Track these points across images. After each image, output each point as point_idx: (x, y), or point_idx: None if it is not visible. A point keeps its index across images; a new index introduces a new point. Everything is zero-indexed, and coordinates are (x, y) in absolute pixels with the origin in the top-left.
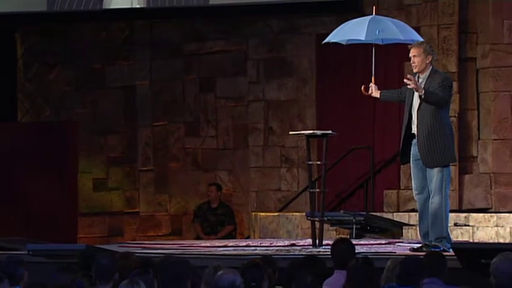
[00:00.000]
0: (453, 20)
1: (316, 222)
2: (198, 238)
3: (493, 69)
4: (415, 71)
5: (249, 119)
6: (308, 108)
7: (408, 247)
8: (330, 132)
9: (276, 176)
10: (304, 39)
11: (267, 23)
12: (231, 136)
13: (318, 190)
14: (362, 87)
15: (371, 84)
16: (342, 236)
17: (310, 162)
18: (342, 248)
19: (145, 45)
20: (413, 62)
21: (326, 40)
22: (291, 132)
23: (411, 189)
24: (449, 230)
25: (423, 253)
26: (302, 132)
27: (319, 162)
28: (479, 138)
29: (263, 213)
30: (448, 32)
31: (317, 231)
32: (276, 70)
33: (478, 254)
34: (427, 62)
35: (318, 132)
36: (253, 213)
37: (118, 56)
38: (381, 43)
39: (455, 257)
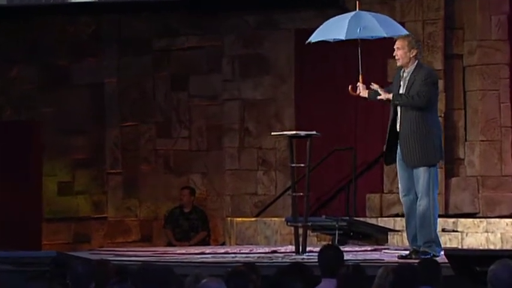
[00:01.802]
0: (439, 15)
1: (298, 228)
2: (169, 244)
3: (480, 66)
4: (398, 64)
5: (223, 119)
6: (286, 108)
7: (396, 254)
8: (313, 133)
9: (252, 179)
10: (282, 35)
11: (243, 18)
12: (205, 137)
13: (301, 194)
14: (349, 87)
15: (358, 83)
16: (329, 243)
17: (294, 165)
18: (330, 255)
19: (113, 41)
20: (396, 55)
21: (308, 40)
22: (273, 133)
23: (395, 192)
24: (438, 234)
25: (413, 260)
26: (285, 133)
27: (302, 165)
28: (466, 140)
29: (239, 219)
30: (433, 27)
31: (300, 237)
32: (252, 67)
33: (473, 261)
34: (411, 56)
35: (302, 133)
36: (229, 218)
37: (84, 52)
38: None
39: (447, 264)
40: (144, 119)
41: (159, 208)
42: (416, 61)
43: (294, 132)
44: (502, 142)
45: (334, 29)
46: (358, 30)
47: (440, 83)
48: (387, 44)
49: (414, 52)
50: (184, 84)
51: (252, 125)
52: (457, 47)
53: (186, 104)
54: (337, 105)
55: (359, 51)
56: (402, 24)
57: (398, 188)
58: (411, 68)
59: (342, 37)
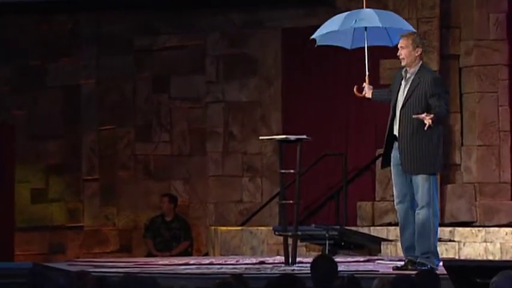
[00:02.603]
0: (434, 13)
1: (288, 238)
2: (149, 255)
3: (477, 67)
4: (402, 64)
5: (207, 122)
6: (273, 111)
7: (390, 265)
8: (304, 137)
9: (237, 186)
10: (268, 34)
11: (227, 16)
12: (187, 141)
13: (291, 201)
14: (355, 88)
15: (364, 84)
16: (319, 253)
17: (283, 171)
18: (324, 266)
19: (90, 40)
20: (400, 54)
21: (313, 37)
22: (261, 137)
23: (388, 200)
24: (437, 245)
25: (408, 272)
26: (274, 137)
27: (292, 171)
28: (462, 144)
29: (224, 228)
30: (428, 26)
31: (289, 247)
32: (237, 68)
33: (473, 273)
34: (416, 55)
35: (292, 137)
36: (212, 227)
37: (60, 52)
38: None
39: (446, 275)
40: (122, 122)
41: (138, 216)
42: (421, 61)
43: (284, 136)
44: (501, 147)
45: (330, 23)
46: (354, 21)
47: None
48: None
49: (419, 51)
50: (165, 85)
51: (236, 128)
52: (453, 47)
53: (168, 106)
54: (327, 108)
55: (365, 50)
56: None
57: (391, 195)
58: (415, 68)
59: (336, 28)
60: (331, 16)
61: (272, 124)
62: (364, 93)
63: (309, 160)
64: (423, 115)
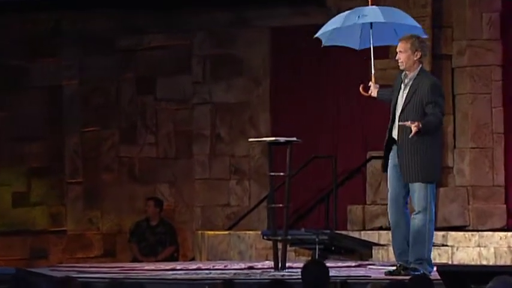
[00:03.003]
0: (426, 12)
1: (277, 243)
2: (134, 260)
3: (470, 68)
4: (401, 68)
5: (193, 124)
6: (261, 112)
7: (382, 270)
8: (294, 139)
9: (224, 189)
10: (256, 33)
11: (214, 15)
12: (173, 144)
13: (280, 205)
14: (361, 87)
15: (370, 83)
16: (309, 258)
17: (273, 174)
18: (315, 271)
19: (73, 40)
20: (399, 58)
21: (317, 35)
22: (250, 139)
23: (378, 204)
24: (432, 252)
25: (401, 277)
26: (263, 139)
27: (282, 173)
28: (455, 147)
29: (211, 232)
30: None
31: (279, 252)
32: (224, 68)
33: (467, 278)
34: (415, 59)
35: (281, 139)
36: (199, 231)
37: (42, 51)
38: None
39: (439, 281)
40: (107, 124)
41: (123, 221)
42: (420, 65)
43: (273, 138)
44: (494, 149)
45: (332, 22)
46: (357, 17)
47: None
48: None
49: (418, 55)
50: (150, 86)
51: (224, 130)
52: (445, 47)
53: (153, 108)
54: (317, 109)
55: (371, 47)
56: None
57: (382, 199)
58: (414, 73)
59: (338, 25)
60: (321, 15)
61: (260, 126)
62: (370, 92)
63: (298, 162)
64: (408, 122)
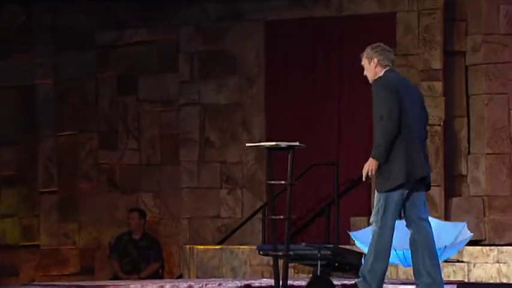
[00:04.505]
0: (437, 4)
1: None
2: (115, 278)
3: (486, 65)
4: (370, 82)
5: (180, 127)
6: (255, 115)
7: None
8: (297, 144)
9: (214, 199)
10: (249, 27)
11: (202, 7)
12: (158, 149)
13: (281, 217)
14: None
15: None
16: (310, 275)
17: (273, 182)
18: None
19: (47, 35)
20: (366, 75)
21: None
22: (248, 144)
23: None
24: (375, 269)
25: None
26: (263, 144)
27: (283, 182)
28: (469, 153)
29: (201, 246)
30: (430, 19)
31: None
32: (214, 66)
33: None
34: (374, 67)
35: (283, 143)
36: (187, 246)
37: (12, 47)
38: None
39: None
40: (84, 127)
41: (102, 234)
42: (384, 69)
43: (274, 143)
44: None
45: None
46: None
47: (439, 86)
48: (375, 40)
49: (375, 61)
50: (132, 86)
51: (214, 134)
52: (458, 43)
53: (135, 109)
54: (316, 111)
55: None
56: (393, 14)
57: None
58: None
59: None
60: (321, 7)
61: (254, 129)
62: None
63: (295, 170)
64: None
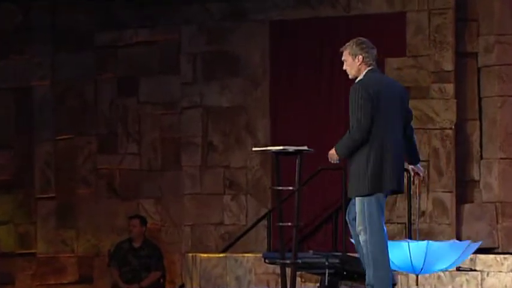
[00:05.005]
0: (448, 3)
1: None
2: (114, 287)
3: (499, 67)
4: (350, 77)
5: (182, 131)
6: (260, 118)
7: None
8: (305, 148)
9: (217, 206)
10: (254, 27)
11: (205, 6)
12: (159, 153)
13: (289, 224)
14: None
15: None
16: (317, 285)
17: (280, 188)
18: None
19: (45, 35)
20: (346, 69)
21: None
22: (254, 149)
23: (394, 222)
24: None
25: None
26: (269, 148)
27: (291, 188)
28: (481, 157)
29: (204, 255)
30: (441, 19)
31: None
32: (217, 67)
33: None
34: (358, 64)
35: (291, 148)
36: (190, 254)
37: (9, 47)
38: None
39: None
40: (83, 130)
41: (101, 242)
42: (368, 68)
43: (281, 147)
44: None
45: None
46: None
47: (451, 88)
48: (385, 40)
49: (360, 58)
50: (132, 88)
51: (217, 138)
52: (470, 44)
53: (136, 112)
54: (323, 114)
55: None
56: (403, 14)
57: (398, 217)
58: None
59: None
60: (328, 7)
61: (259, 133)
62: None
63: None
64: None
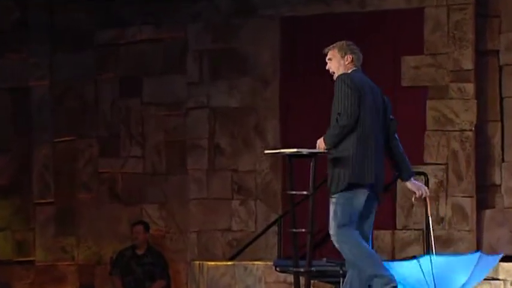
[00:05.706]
0: None
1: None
2: None
3: None
4: (334, 77)
5: (188, 133)
6: (269, 119)
7: None
8: (320, 150)
9: (225, 211)
10: (263, 24)
11: (212, 2)
12: (163, 156)
13: (303, 230)
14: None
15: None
16: None
17: (293, 192)
18: None
19: (43, 33)
20: (330, 68)
21: None
22: (266, 152)
23: (411, 229)
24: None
25: None
26: (282, 150)
27: (305, 192)
28: (503, 160)
29: (212, 263)
30: (461, 15)
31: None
32: (225, 67)
33: None
34: (346, 63)
35: (304, 150)
36: (196, 262)
37: (6, 46)
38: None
39: None
40: (83, 132)
41: (102, 249)
42: (355, 68)
43: (295, 150)
44: None
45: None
46: None
47: (470, 87)
48: (401, 37)
49: (349, 58)
50: (136, 88)
51: (224, 140)
52: (491, 41)
53: (139, 113)
54: None
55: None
56: (421, 9)
57: (415, 223)
58: None
59: None
60: (341, 2)
61: (268, 134)
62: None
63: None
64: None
